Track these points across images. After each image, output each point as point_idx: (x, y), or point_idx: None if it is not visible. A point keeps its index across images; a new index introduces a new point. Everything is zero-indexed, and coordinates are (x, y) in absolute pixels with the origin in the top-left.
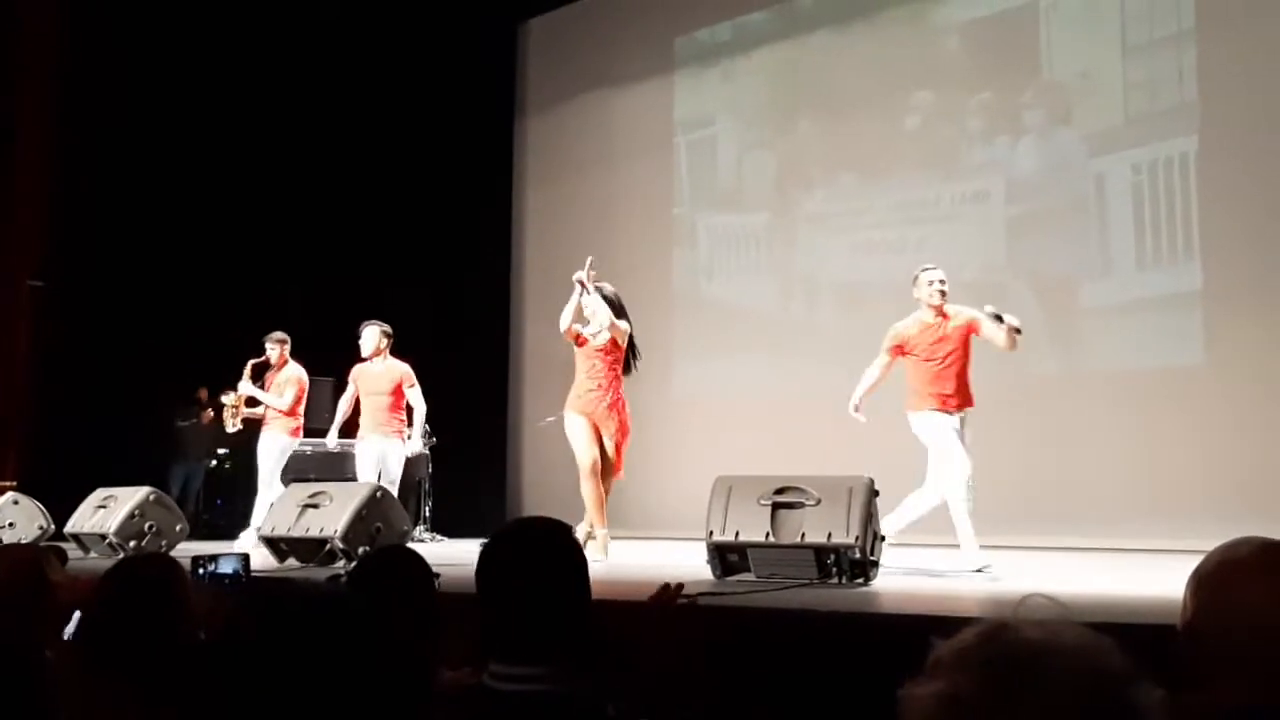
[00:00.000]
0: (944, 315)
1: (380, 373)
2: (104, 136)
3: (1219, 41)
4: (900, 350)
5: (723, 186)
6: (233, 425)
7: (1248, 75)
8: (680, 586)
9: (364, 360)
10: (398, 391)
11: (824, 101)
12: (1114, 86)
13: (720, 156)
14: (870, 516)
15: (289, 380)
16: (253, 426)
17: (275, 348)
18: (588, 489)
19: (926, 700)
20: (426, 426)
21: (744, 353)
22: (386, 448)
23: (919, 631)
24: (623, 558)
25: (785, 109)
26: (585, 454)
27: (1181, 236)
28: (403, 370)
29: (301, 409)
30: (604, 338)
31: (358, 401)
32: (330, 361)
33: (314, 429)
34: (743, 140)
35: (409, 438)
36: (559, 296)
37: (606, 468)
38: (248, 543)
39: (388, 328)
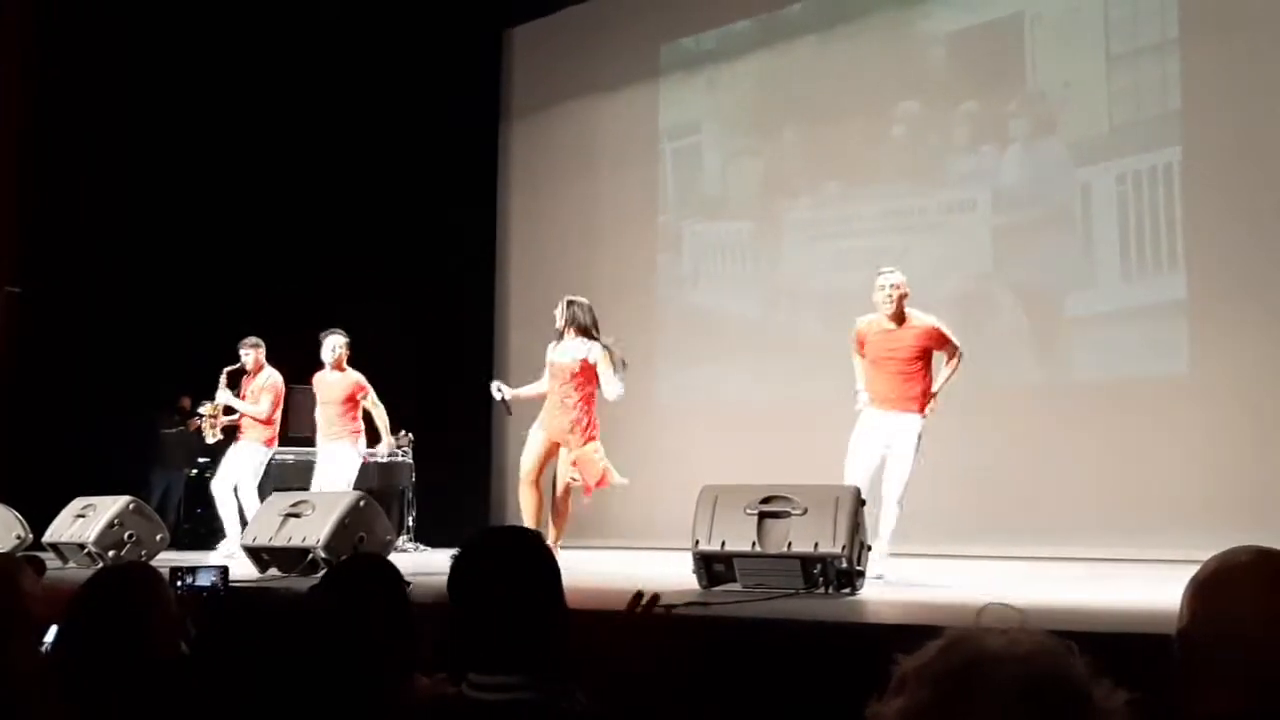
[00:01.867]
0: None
1: (334, 382)
2: (82, 141)
3: (1203, 51)
4: None
5: (707, 194)
6: (212, 436)
7: (1232, 85)
8: (656, 597)
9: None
10: (351, 400)
11: (809, 110)
12: (1098, 96)
13: (705, 164)
14: (857, 526)
15: (266, 387)
16: (232, 435)
17: (250, 353)
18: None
19: (889, 718)
20: (409, 435)
21: (729, 361)
22: (336, 451)
23: (905, 642)
24: (608, 567)
25: (771, 117)
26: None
27: (1166, 246)
28: (356, 380)
29: (278, 416)
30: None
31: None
32: (313, 368)
33: (300, 438)
34: (728, 148)
35: (377, 445)
36: (543, 303)
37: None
38: (224, 555)
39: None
